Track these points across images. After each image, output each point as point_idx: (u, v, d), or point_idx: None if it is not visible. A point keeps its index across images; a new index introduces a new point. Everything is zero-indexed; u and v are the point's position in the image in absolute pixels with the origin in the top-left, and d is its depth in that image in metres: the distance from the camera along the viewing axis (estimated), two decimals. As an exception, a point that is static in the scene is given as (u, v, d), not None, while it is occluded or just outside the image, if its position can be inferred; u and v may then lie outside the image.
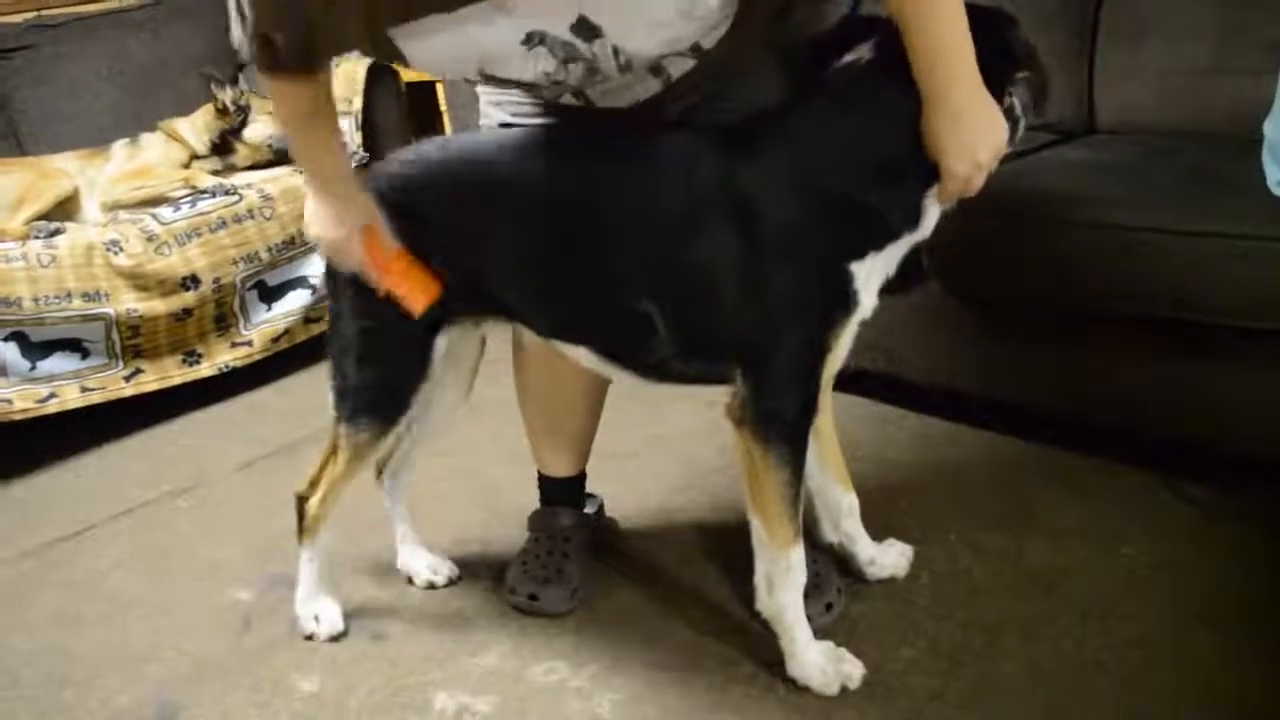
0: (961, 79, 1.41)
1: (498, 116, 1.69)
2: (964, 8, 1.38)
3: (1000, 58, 1.44)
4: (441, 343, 1.67)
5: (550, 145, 1.57)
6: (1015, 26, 1.51)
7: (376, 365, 1.68)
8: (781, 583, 1.60)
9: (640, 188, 1.49)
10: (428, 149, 1.65)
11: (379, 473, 1.94)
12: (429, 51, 1.37)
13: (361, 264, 1.57)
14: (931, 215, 1.52)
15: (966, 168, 1.43)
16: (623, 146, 1.52)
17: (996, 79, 1.43)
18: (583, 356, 1.64)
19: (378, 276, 1.57)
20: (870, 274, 1.51)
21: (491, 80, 1.47)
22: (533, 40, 1.36)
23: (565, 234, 1.54)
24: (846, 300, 1.49)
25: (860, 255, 1.48)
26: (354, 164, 1.56)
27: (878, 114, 1.45)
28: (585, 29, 1.34)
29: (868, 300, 1.53)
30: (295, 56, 1.39)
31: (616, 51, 1.39)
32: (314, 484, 1.79)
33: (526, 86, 1.50)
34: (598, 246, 1.53)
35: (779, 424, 1.53)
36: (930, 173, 1.45)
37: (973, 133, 1.42)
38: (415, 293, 1.57)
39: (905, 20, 1.39)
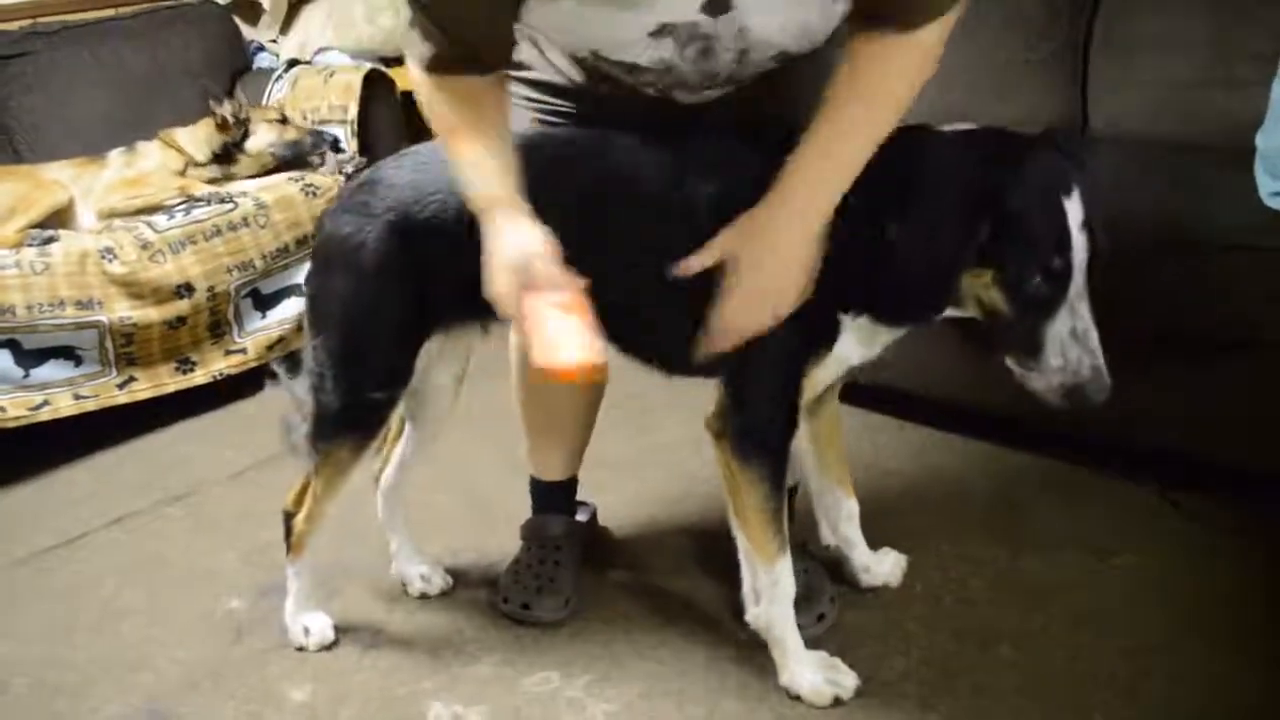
0: (811, 214, 1.36)
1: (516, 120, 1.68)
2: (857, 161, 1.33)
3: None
4: (423, 355, 1.65)
5: (587, 146, 1.55)
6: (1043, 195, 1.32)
7: (356, 381, 1.64)
8: (768, 595, 1.60)
9: (674, 187, 1.47)
10: (436, 152, 1.59)
11: (376, 481, 1.94)
12: (547, 19, 1.35)
13: (515, 313, 1.34)
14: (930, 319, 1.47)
15: (738, 313, 1.38)
16: (659, 148, 1.50)
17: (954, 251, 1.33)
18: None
19: (527, 329, 1.30)
20: (859, 330, 1.49)
21: (602, 61, 1.42)
22: (662, 32, 1.34)
23: (597, 230, 1.50)
24: (828, 342, 1.48)
25: (849, 309, 1.47)
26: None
27: (920, 195, 1.38)
28: (717, 3, 1.29)
29: (851, 350, 1.51)
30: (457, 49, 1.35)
31: (742, 33, 1.34)
32: (299, 500, 1.78)
33: (627, 69, 1.44)
34: (628, 241, 1.51)
35: (755, 439, 1.53)
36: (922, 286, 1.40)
37: (772, 279, 1.37)
38: (570, 351, 1.26)
39: (820, 124, 1.34)
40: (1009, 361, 1.40)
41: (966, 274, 1.36)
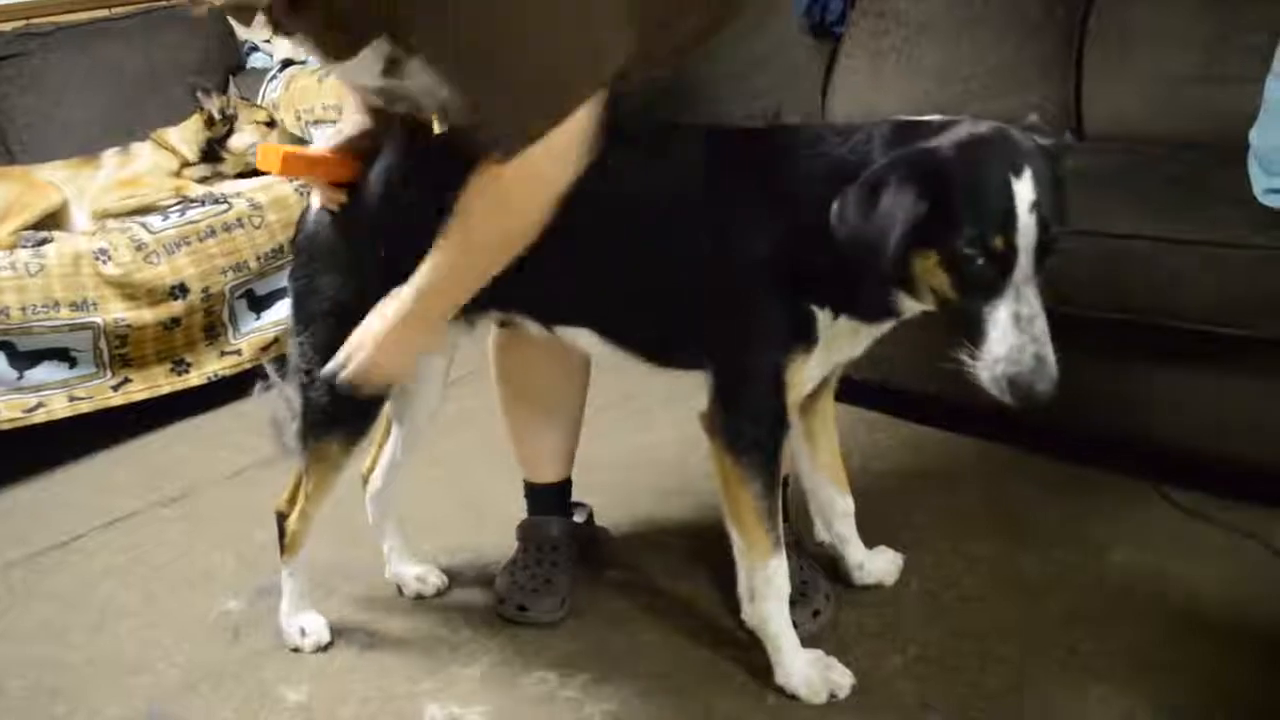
0: (410, 309, 1.49)
1: None
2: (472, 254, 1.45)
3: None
4: None
5: None
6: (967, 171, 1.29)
7: None
8: (762, 593, 1.60)
9: (647, 183, 1.49)
10: (423, 146, 1.63)
11: (365, 483, 1.94)
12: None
13: None
14: (904, 309, 1.46)
15: (347, 354, 1.55)
16: (634, 144, 1.50)
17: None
18: (585, 339, 1.63)
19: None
20: (837, 327, 1.49)
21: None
22: (370, 92, 1.52)
23: (577, 224, 1.49)
24: (804, 338, 1.48)
25: (821, 303, 1.47)
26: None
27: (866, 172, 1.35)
28: (392, 69, 1.42)
29: (831, 349, 1.51)
30: None
31: (429, 91, 1.42)
32: (291, 501, 1.79)
33: None
34: (604, 234, 1.51)
35: (747, 436, 1.53)
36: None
37: (376, 345, 1.52)
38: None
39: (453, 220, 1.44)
40: (960, 354, 1.34)
41: (916, 256, 1.33)
